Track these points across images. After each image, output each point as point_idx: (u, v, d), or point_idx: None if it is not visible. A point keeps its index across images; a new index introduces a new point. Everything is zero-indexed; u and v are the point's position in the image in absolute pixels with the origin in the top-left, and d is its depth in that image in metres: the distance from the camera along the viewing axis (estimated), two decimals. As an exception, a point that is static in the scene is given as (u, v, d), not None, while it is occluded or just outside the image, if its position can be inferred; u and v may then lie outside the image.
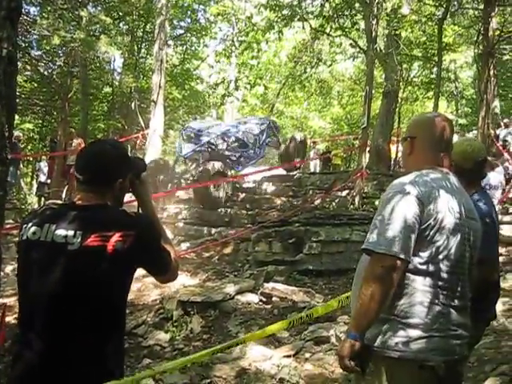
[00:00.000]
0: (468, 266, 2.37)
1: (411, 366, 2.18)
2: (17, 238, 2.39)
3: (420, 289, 2.23)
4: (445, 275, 2.25)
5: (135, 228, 2.15)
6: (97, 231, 2.07)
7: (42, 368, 2.02)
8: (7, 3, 4.73)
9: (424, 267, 2.23)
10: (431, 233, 2.23)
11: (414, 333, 2.19)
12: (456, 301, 2.29)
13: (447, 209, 2.28)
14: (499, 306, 5.69)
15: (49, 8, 16.28)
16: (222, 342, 6.48)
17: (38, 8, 17.32)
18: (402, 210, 2.21)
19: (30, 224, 2.19)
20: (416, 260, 2.22)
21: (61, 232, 2.11)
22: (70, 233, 2.09)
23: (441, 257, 2.24)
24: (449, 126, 2.53)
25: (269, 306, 7.67)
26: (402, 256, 2.15)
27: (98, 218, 2.16)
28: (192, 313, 7.33)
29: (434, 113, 2.65)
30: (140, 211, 2.48)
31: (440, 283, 2.24)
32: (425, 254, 2.23)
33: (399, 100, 21.33)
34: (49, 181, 16.93)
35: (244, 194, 13.80)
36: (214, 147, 13.58)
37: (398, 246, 2.16)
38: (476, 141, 4.26)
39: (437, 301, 2.23)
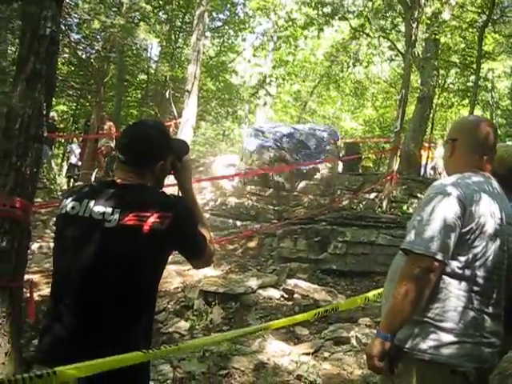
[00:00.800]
0: (505, 273, 2.33)
1: (442, 370, 2.17)
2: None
3: (455, 293, 2.21)
4: (481, 281, 2.22)
5: (173, 210, 2.15)
6: (135, 210, 2.09)
7: (71, 342, 2.04)
8: (54, -16, 4.80)
9: (461, 271, 2.21)
10: (472, 237, 2.21)
11: (447, 337, 2.18)
12: (490, 308, 2.26)
13: (489, 213, 2.25)
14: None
15: (91, -8, 16.39)
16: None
17: (81, -9, 17.44)
18: (442, 211, 2.19)
19: (70, 199, 2.22)
20: (454, 263, 2.20)
21: (99, 208, 2.13)
22: (108, 210, 2.11)
23: (479, 263, 2.22)
24: (492, 130, 2.50)
25: (290, 303, 7.67)
26: (440, 257, 2.13)
27: (137, 197, 2.17)
28: (213, 303, 7.36)
29: (477, 116, 2.61)
30: (180, 194, 2.48)
31: (476, 289, 2.22)
32: (463, 259, 2.21)
33: (434, 106, 21.08)
34: (79, 163, 17.10)
35: (271, 190, 13.80)
36: (279, 144, 14.39)
37: (436, 246, 2.14)
38: None
39: (471, 306, 2.21)
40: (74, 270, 2.09)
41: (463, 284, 2.22)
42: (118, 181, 2.26)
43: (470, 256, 2.21)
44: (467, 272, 2.21)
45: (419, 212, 2.26)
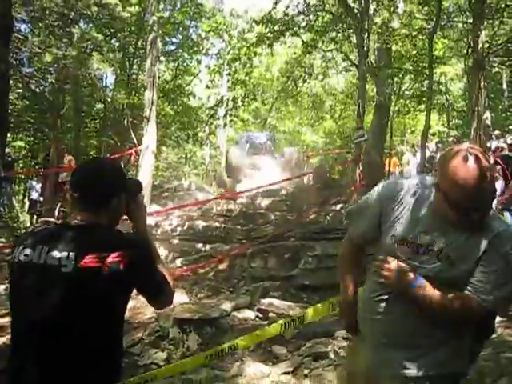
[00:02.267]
0: None
1: None
2: (8, 257, 2.34)
3: None
4: None
5: (130, 249, 2.10)
6: (91, 252, 2.03)
7: None
8: (-1, 21, 4.72)
9: None
10: None
11: None
12: None
13: None
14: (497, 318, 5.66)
15: (40, 25, 16.26)
16: (219, 360, 6.43)
17: (29, 25, 17.30)
18: None
19: (22, 246, 2.14)
20: None
21: (54, 254, 2.06)
22: (64, 254, 2.04)
23: None
24: None
25: (266, 322, 7.58)
26: None
27: (93, 238, 2.11)
28: (188, 330, 7.24)
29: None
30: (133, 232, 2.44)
31: None
32: None
33: (391, 113, 21.39)
34: (41, 198, 16.82)
35: (238, 209, 13.78)
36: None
37: None
38: None
39: None
40: (35, 320, 2.03)
41: None
42: (73, 222, 2.21)
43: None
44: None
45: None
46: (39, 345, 2.01)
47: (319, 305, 3.59)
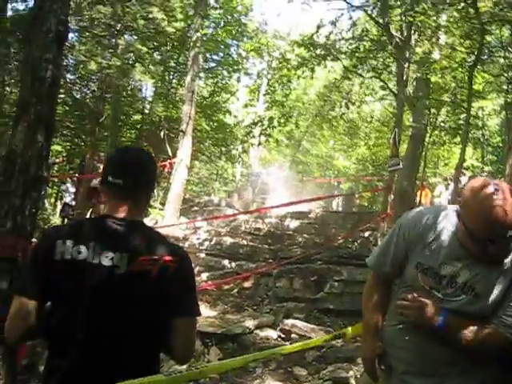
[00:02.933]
0: None
1: None
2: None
3: None
4: None
5: (179, 256, 2.14)
6: (143, 254, 2.05)
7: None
8: (56, 27, 4.88)
9: None
10: None
11: None
12: None
13: None
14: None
15: (87, 34, 16.65)
16: (238, 376, 6.44)
17: (77, 34, 17.72)
18: None
19: (72, 242, 2.05)
20: None
21: (108, 254, 2.04)
22: (117, 255, 2.04)
23: None
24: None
25: (287, 343, 7.59)
26: None
27: (144, 238, 2.12)
28: (210, 344, 7.27)
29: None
30: None
31: None
32: None
33: (425, 144, 21.29)
34: (73, 202, 17.07)
35: (266, 229, 13.81)
36: None
37: None
38: None
39: None
40: (88, 320, 2.02)
41: None
42: (118, 216, 2.15)
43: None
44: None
45: None
46: (92, 346, 2.01)
47: (358, 324, 3.62)
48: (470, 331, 2.24)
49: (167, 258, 2.08)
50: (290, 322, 8.19)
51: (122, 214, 2.15)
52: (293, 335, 7.77)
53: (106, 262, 2.03)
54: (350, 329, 3.59)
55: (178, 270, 2.10)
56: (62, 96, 19.01)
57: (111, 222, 2.13)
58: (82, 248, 2.04)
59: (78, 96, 19.93)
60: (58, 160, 17.53)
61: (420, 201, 19.10)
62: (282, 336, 7.81)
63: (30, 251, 2.37)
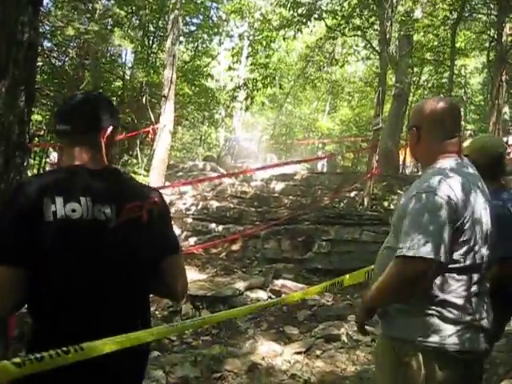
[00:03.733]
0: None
1: (448, 359, 2.17)
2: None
3: (455, 285, 2.20)
4: (476, 267, 2.24)
5: (158, 195, 2.15)
6: (128, 202, 2.00)
7: (96, 328, 1.93)
8: (31, -12, 4.72)
9: (458, 264, 2.18)
10: (465, 229, 2.18)
11: (450, 327, 2.18)
12: (482, 291, 2.29)
13: (473, 198, 2.23)
14: None
15: (63, -1, 16.32)
16: (230, 338, 6.49)
17: (53, -1, 17.35)
18: (433, 211, 2.15)
19: (62, 198, 1.87)
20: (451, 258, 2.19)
21: (99, 207, 1.94)
22: (107, 207, 1.96)
23: (473, 251, 2.21)
24: (456, 109, 2.45)
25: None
26: (443, 259, 2.09)
27: (125, 186, 2.09)
28: (201, 307, 7.30)
29: (437, 98, 2.50)
30: None
31: (472, 275, 2.22)
32: (459, 252, 2.18)
33: (409, 103, 21.30)
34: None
35: (252, 192, 13.79)
36: None
37: (434, 248, 2.09)
38: (494, 137, 4.23)
39: (468, 293, 2.21)
40: (91, 277, 1.93)
41: (461, 275, 2.20)
42: (90, 167, 2.03)
43: (465, 248, 2.20)
44: (464, 263, 2.19)
45: (409, 214, 2.21)
46: (102, 301, 1.96)
47: (355, 272, 3.62)
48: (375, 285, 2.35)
49: (152, 200, 2.06)
50: (279, 282, 8.25)
51: (89, 163, 2.03)
52: (283, 295, 7.80)
53: (101, 217, 1.95)
54: (347, 276, 3.58)
55: (162, 210, 2.10)
56: (40, 64, 18.66)
57: (86, 172, 2.01)
58: (75, 205, 1.90)
59: (56, 63, 19.56)
60: (39, 133, 17.21)
61: (404, 159, 19.20)
62: (273, 297, 7.85)
63: (1, 210, 1.96)
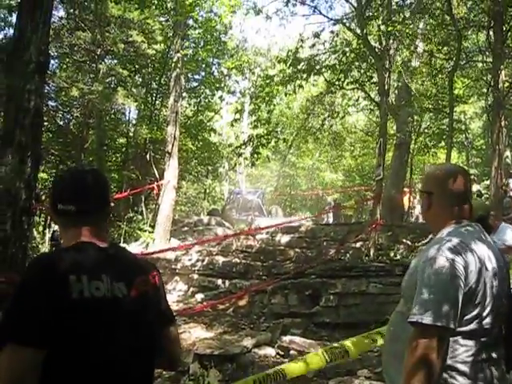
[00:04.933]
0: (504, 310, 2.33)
1: None
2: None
3: (464, 349, 2.17)
4: (487, 330, 2.19)
5: (156, 268, 2.18)
6: (136, 277, 2.03)
7: None
8: (36, 57, 4.88)
9: (468, 328, 2.16)
10: (476, 293, 2.15)
11: None
12: (495, 354, 2.24)
13: (487, 259, 2.24)
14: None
15: (68, 60, 16.66)
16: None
17: (57, 60, 17.74)
18: (445, 277, 2.13)
19: (87, 277, 1.85)
20: (461, 323, 2.16)
21: (117, 285, 1.94)
22: (121, 284, 1.95)
23: (484, 314, 2.19)
24: (466, 177, 2.49)
25: (286, 360, 7.54)
26: (452, 325, 2.08)
27: (130, 262, 2.11)
28: (209, 366, 7.20)
29: (449, 165, 2.57)
30: None
31: (483, 339, 2.19)
32: (470, 315, 2.16)
33: (411, 151, 21.45)
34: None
35: (258, 245, 13.79)
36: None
37: (445, 314, 2.07)
38: (476, 200, 4.29)
39: (480, 358, 2.17)
40: (111, 355, 1.89)
41: (466, 340, 2.18)
42: (101, 245, 2.02)
43: (476, 311, 2.19)
44: (474, 326, 2.18)
45: (419, 281, 2.21)
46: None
47: (355, 338, 3.58)
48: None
49: (153, 273, 2.10)
50: (287, 338, 8.14)
51: (96, 240, 2.01)
52: (291, 351, 7.72)
53: (119, 294, 1.93)
54: (352, 347, 3.53)
55: (160, 282, 2.13)
56: (46, 123, 18.96)
57: (98, 250, 1.99)
58: (99, 283, 1.88)
59: (61, 123, 19.86)
60: (45, 191, 17.37)
61: (409, 207, 19.23)
62: (281, 353, 7.77)
63: (23, 287, 1.86)
